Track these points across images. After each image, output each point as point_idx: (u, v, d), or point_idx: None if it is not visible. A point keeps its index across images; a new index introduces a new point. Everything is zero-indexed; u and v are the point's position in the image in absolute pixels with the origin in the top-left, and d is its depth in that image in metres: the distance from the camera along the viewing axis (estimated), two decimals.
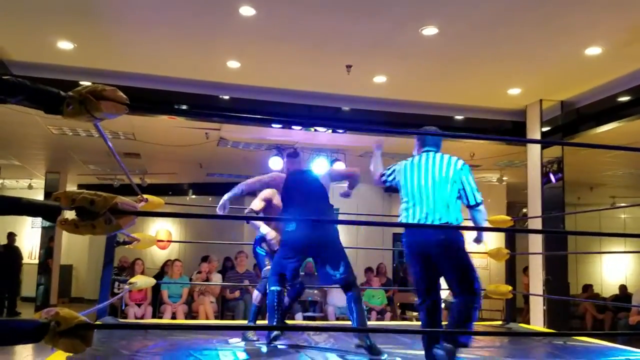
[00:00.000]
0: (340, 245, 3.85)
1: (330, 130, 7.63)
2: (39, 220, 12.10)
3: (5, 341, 1.74)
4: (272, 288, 3.85)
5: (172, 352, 3.56)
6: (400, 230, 11.51)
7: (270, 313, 3.79)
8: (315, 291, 8.50)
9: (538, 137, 7.00)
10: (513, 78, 6.34)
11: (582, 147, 7.55)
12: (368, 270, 9.20)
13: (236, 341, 3.99)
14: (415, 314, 9.11)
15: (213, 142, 8.27)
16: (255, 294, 4.34)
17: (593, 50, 5.42)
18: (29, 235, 12.99)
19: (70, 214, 1.84)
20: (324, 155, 8.75)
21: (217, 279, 8.10)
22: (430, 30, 5.08)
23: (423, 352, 3.22)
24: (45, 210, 1.80)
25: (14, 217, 12.68)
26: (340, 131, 7.68)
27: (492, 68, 6.01)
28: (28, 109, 5.92)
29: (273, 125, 7.50)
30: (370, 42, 5.43)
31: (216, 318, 7.62)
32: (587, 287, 10.42)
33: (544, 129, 6.93)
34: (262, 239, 4.34)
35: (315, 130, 7.61)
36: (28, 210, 1.80)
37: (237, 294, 7.89)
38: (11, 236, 10.81)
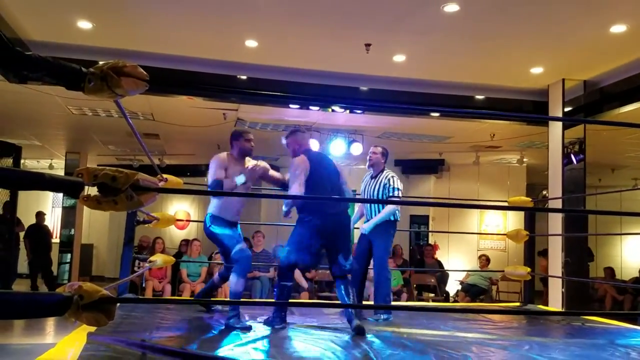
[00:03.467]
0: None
1: (348, 111, 7.58)
2: (59, 200, 12.30)
3: (30, 314, 1.77)
4: (288, 283, 3.81)
5: (192, 327, 3.60)
6: (417, 212, 11.47)
7: (280, 311, 3.80)
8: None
9: (560, 117, 6.89)
10: (535, 56, 6.22)
11: (604, 127, 7.41)
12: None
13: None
14: (432, 295, 9.13)
15: (230, 123, 8.28)
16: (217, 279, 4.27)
17: (618, 28, 5.28)
18: (49, 214, 13.20)
19: (92, 191, 1.85)
20: (342, 137, 8.72)
21: None
22: (451, 7, 4.98)
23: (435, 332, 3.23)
24: (68, 186, 1.81)
25: (35, 197, 12.91)
26: (359, 111, 7.62)
27: (514, 46, 5.90)
28: (48, 89, 5.97)
29: (290, 105, 7.47)
30: (390, 19, 5.36)
31: None
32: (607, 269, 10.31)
33: (566, 109, 6.81)
34: (214, 217, 3.97)
35: (333, 110, 7.57)
36: (51, 185, 1.82)
37: (255, 273, 7.95)
38: (40, 215, 10.87)
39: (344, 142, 8.67)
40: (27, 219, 10.84)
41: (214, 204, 4.01)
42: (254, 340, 3.23)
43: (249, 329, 3.56)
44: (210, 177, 3.90)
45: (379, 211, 4.55)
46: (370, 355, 2.90)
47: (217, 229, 3.95)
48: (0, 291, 1.64)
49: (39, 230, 10.66)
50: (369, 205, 4.66)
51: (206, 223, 4.01)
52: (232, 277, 3.77)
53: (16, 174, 1.99)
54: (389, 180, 4.62)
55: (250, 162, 4.09)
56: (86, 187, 1.83)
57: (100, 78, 1.79)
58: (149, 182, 1.89)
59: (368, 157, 4.80)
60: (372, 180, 4.73)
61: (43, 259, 10.38)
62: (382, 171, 4.73)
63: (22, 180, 1.83)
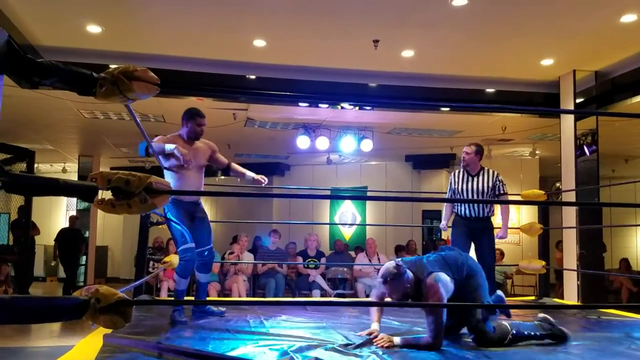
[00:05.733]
0: None
1: (357, 107, 7.57)
2: (74, 204, 12.39)
3: (48, 318, 1.79)
4: None
5: (208, 327, 3.62)
6: (430, 207, 11.42)
7: None
8: (345, 269, 8.53)
9: (572, 108, 6.84)
10: (546, 48, 6.17)
11: (617, 118, 7.34)
12: (400, 248, 9.23)
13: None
14: None
15: (240, 122, 8.30)
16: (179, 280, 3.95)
17: (628, 18, 5.23)
18: (64, 217, 13.33)
19: (106, 194, 1.87)
20: (352, 133, 8.72)
21: (248, 258, 8.20)
22: (459, 1, 4.96)
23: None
24: (82, 191, 1.83)
25: (49, 200, 13.03)
26: (368, 108, 7.61)
27: (524, 38, 5.85)
28: (60, 93, 6.01)
29: (300, 103, 7.48)
30: (397, 15, 5.34)
31: (247, 296, 7.74)
32: (623, 261, 10.22)
33: (578, 100, 6.76)
34: (172, 200, 3.74)
35: (342, 107, 7.57)
36: (66, 190, 1.84)
37: (270, 266, 7.99)
38: (73, 219, 10.75)
39: (353, 139, 8.67)
40: (41, 223, 10.93)
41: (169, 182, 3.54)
42: (270, 340, 3.24)
43: (184, 323, 3.67)
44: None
45: (486, 208, 4.66)
46: (386, 353, 2.90)
47: (171, 216, 3.78)
48: (19, 296, 1.66)
49: (71, 234, 10.52)
50: (470, 204, 4.66)
51: (164, 207, 3.80)
52: (175, 276, 3.92)
53: (31, 180, 2.01)
54: (499, 179, 4.77)
55: (200, 144, 4.05)
56: (100, 191, 1.85)
57: (111, 83, 1.80)
58: (161, 184, 1.90)
59: (462, 158, 4.82)
60: (472, 179, 4.75)
61: (71, 262, 10.36)
62: (482, 169, 4.79)
63: (36, 186, 1.85)
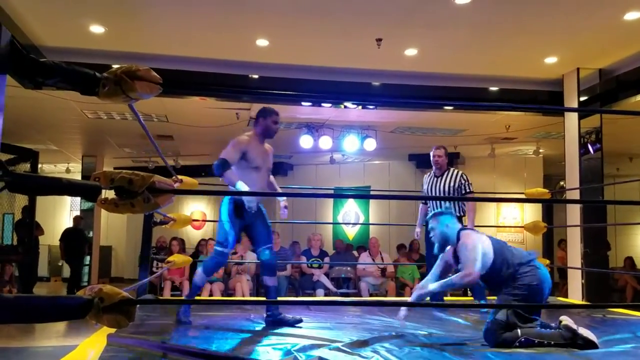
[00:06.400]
0: None
1: (360, 107, 7.56)
2: (77, 204, 12.42)
3: (52, 318, 1.79)
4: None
5: (212, 327, 3.62)
6: None
7: None
8: (349, 268, 8.53)
9: (576, 106, 6.82)
10: (549, 46, 6.15)
11: (621, 116, 7.32)
12: (401, 247, 9.22)
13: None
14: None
15: (244, 122, 8.30)
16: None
17: (632, 15, 5.21)
18: (67, 217, 13.37)
19: (109, 194, 1.87)
20: (355, 133, 8.71)
21: (251, 257, 8.20)
22: None
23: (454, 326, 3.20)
24: (85, 190, 1.83)
25: (53, 200, 13.07)
26: (371, 107, 7.60)
27: (527, 36, 5.84)
28: (63, 94, 6.01)
29: (303, 103, 7.48)
30: (400, 13, 5.33)
31: (251, 295, 7.74)
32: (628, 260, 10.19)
33: (582, 98, 6.73)
34: (230, 200, 3.71)
35: (345, 107, 7.56)
36: (69, 190, 1.84)
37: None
38: (77, 219, 10.76)
39: (357, 138, 8.66)
40: (45, 223, 10.96)
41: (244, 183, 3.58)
42: (273, 340, 3.24)
43: (189, 323, 3.64)
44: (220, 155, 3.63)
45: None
46: (388, 352, 2.89)
47: (223, 215, 3.75)
48: (22, 295, 1.66)
49: (75, 234, 10.54)
50: (435, 205, 4.76)
51: (222, 211, 3.75)
52: (198, 268, 3.87)
53: (34, 180, 2.01)
54: (464, 178, 4.88)
55: (267, 146, 3.96)
56: (103, 191, 1.85)
57: (114, 82, 1.80)
58: (164, 184, 1.90)
59: (435, 160, 4.95)
60: (437, 180, 4.91)
61: (76, 261, 10.38)
62: (447, 169, 4.92)
63: (40, 185, 1.85)
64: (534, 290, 3.12)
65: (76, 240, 10.38)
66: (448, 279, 3.25)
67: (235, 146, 3.68)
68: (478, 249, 3.15)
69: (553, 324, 3.16)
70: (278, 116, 3.88)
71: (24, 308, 1.66)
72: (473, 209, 4.89)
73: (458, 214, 4.77)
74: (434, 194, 4.91)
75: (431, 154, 5.02)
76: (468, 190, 4.85)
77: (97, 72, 1.84)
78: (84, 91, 1.81)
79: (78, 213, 11.42)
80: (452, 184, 4.84)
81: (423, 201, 5.13)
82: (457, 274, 3.19)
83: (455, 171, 4.95)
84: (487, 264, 3.15)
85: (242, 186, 3.51)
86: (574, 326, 3.05)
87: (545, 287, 3.16)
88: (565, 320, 3.11)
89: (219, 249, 3.78)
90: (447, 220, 3.39)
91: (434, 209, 4.73)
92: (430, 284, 3.29)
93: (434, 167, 4.99)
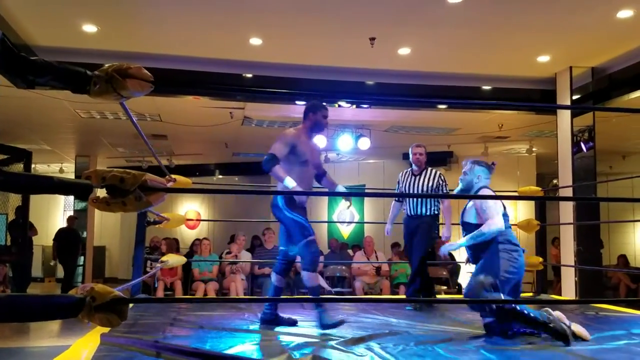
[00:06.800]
0: None
1: (354, 106, 7.56)
2: (71, 204, 12.37)
3: (44, 316, 1.78)
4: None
5: (206, 326, 3.62)
6: None
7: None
8: (344, 267, 8.53)
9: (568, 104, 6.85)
10: (542, 45, 6.18)
11: (614, 114, 7.36)
12: (395, 245, 9.22)
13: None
14: (444, 287, 9.10)
15: (238, 121, 8.30)
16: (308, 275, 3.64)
17: (625, 13, 5.24)
18: (61, 217, 13.32)
19: (101, 193, 1.86)
20: (349, 132, 8.71)
21: (246, 257, 8.19)
22: None
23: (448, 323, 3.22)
24: (77, 189, 1.83)
25: (47, 201, 13.03)
26: (365, 106, 7.61)
27: (520, 35, 5.86)
28: (56, 93, 5.99)
29: (296, 102, 7.48)
30: (393, 12, 5.34)
31: (245, 294, 7.73)
32: (621, 257, 10.24)
33: (575, 97, 6.76)
34: (287, 199, 3.62)
35: (339, 106, 7.56)
36: (60, 188, 1.83)
37: (266, 270, 7.97)
38: (71, 219, 10.68)
39: (351, 137, 8.66)
40: (39, 223, 10.91)
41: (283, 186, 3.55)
42: (267, 338, 3.24)
43: (341, 323, 3.48)
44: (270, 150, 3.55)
45: (426, 206, 4.80)
46: (382, 350, 2.90)
47: (282, 213, 3.61)
48: (15, 295, 1.66)
49: (69, 234, 10.45)
50: (411, 204, 4.80)
51: (278, 204, 3.62)
52: (304, 275, 3.62)
53: (26, 178, 2.01)
54: (442, 178, 4.93)
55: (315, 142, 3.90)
56: (96, 190, 1.85)
57: (105, 80, 1.80)
58: (156, 182, 1.90)
59: (415, 158, 4.95)
60: (415, 178, 4.91)
61: (70, 262, 10.32)
62: (425, 168, 4.94)
63: (31, 184, 1.85)
64: (517, 264, 3.31)
65: (70, 240, 10.33)
66: (477, 230, 3.29)
67: (283, 140, 3.62)
68: (499, 205, 3.32)
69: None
70: (327, 111, 3.82)
71: (17, 307, 1.66)
72: (449, 209, 4.91)
73: (432, 213, 4.80)
74: (410, 192, 4.92)
75: (410, 151, 4.99)
76: (445, 191, 4.89)
77: (90, 71, 1.84)
78: (75, 89, 1.81)
79: (72, 213, 11.37)
80: (429, 184, 4.83)
81: (396, 198, 5.10)
82: (484, 224, 3.27)
83: (434, 171, 4.95)
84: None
85: (290, 182, 3.47)
86: (567, 321, 3.13)
87: (522, 272, 3.38)
88: (557, 314, 3.19)
89: (309, 238, 3.57)
90: (482, 172, 3.48)
91: (411, 208, 4.78)
92: (459, 240, 3.40)
93: (412, 165, 4.98)
